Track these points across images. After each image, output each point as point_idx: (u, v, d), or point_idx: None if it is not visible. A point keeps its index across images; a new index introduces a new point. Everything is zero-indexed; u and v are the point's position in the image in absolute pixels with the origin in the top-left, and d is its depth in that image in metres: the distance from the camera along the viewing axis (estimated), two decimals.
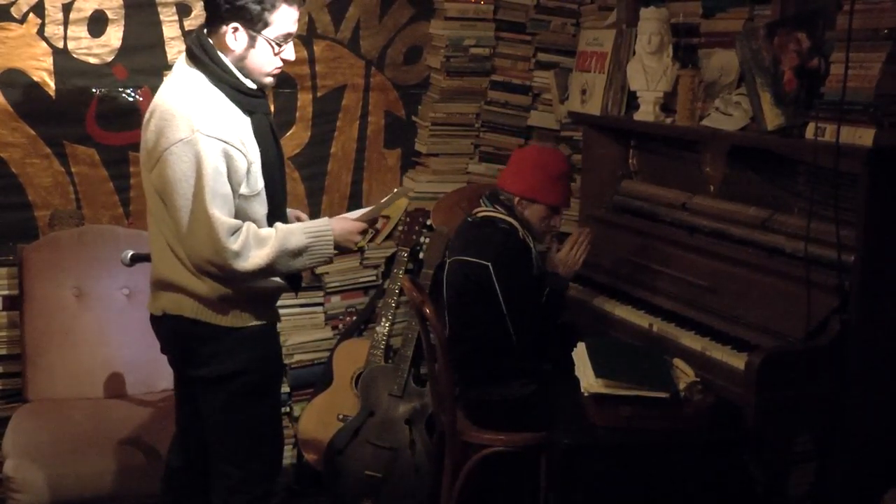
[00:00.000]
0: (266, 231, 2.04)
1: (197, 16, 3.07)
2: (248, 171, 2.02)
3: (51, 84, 2.94)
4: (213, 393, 2.09)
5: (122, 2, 2.97)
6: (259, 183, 2.06)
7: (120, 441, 2.58)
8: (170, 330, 2.11)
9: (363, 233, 2.18)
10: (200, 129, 1.94)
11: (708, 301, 2.54)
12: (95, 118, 3.01)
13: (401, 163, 3.52)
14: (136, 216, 3.11)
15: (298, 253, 2.04)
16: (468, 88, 3.43)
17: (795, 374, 2.21)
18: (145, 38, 3.02)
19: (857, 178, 2.20)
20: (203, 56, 2.02)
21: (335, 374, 3.23)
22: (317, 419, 3.18)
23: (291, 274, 2.13)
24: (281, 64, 2.10)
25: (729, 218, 2.65)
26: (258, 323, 2.10)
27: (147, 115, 2.05)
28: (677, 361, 2.42)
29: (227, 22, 2.01)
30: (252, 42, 2.03)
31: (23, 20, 2.88)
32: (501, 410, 2.52)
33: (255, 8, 1.99)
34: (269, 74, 2.10)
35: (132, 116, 3.05)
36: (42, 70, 2.92)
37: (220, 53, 2.03)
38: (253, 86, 2.07)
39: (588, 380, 2.36)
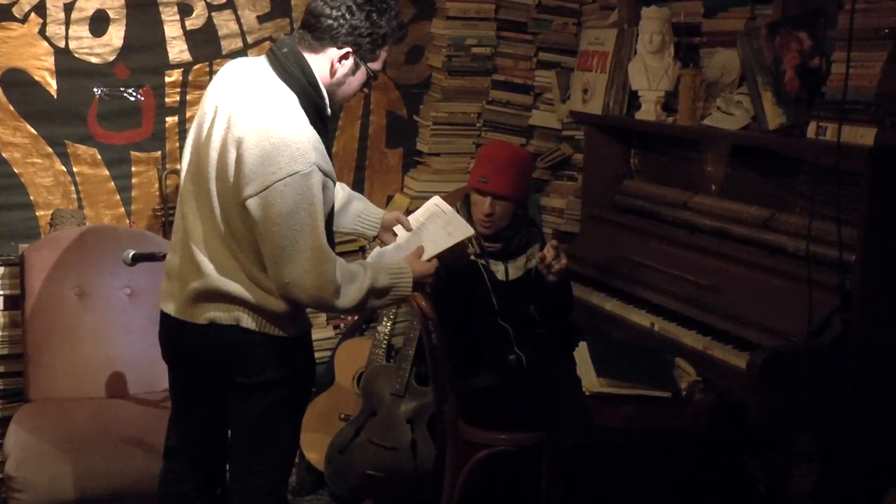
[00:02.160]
0: (354, 266, 2.02)
1: (198, 15, 3.07)
2: (327, 199, 2.01)
3: (52, 84, 2.94)
4: (259, 397, 2.06)
5: (123, 1, 2.96)
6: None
7: (121, 441, 2.57)
8: (220, 339, 2.03)
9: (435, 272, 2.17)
10: (315, 161, 1.91)
11: (709, 300, 2.54)
12: (97, 118, 3.01)
13: (402, 162, 3.52)
14: (138, 216, 3.11)
15: (383, 293, 2.03)
16: (470, 88, 3.43)
17: (797, 374, 2.21)
18: (147, 37, 3.02)
19: (858, 177, 2.20)
20: (301, 77, 1.97)
21: (337, 374, 3.24)
22: (318, 418, 3.18)
23: None
24: (359, 93, 2.12)
25: (730, 217, 2.65)
26: (307, 329, 2.11)
27: (227, 124, 1.94)
28: (679, 361, 2.42)
29: (340, 46, 1.97)
30: (354, 70, 2.02)
31: (24, 20, 2.88)
32: (467, 402, 2.52)
33: (373, 41, 1.99)
34: (348, 100, 2.12)
35: (134, 116, 3.05)
36: (44, 70, 2.92)
37: (316, 76, 1.99)
38: (329, 112, 2.05)
39: (590, 379, 2.37)
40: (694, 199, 2.80)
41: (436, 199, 2.30)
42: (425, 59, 3.46)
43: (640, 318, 2.67)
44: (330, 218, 2.06)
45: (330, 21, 1.96)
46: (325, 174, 1.95)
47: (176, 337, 2.12)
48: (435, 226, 2.26)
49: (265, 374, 2.04)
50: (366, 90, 2.15)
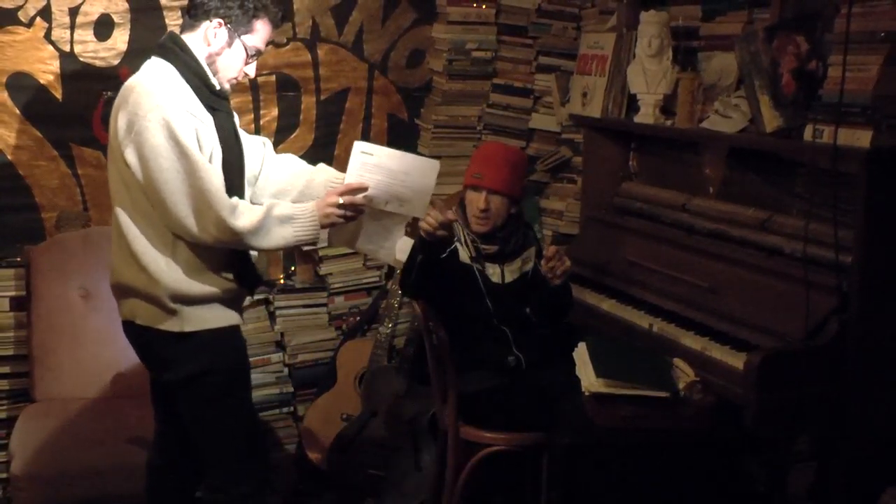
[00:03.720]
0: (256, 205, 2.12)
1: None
2: (204, 146, 2.07)
3: (57, 87, 2.97)
4: (183, 394, 2.15)
5: (127, 6, 2.99)
6: (214, 160, 2.10)
7: (125, 440, 2.60)
8: (133, 336, 2.17)
9: (344, 198, 2.13)
10: (178, 101, 2.02)
11: (708, 301, 2.55)
12: (101, 120, 3.03)
13: None
14: None
15: (285, 220, 2.09)
16: (470, 91, 3.45)
17: (794, 374, 2.21)
18: (151, 41, 2.98)
19: (855, 179, 2.21)
20: (175, 48, 2.10)
21: (339, 374, 3.26)
22: (320, 418, 3.20)
23: (248, 272, 2.19)
24: (241, 75, 2.19)
25: (728, 219, 2.66)
26: (214, 327, 2.13)
27: (115, 108, 2.09)
28: (677, 361, 2.43)
29: (211, 17, 2.10)
30: (230, 42, 2.13)
31: (30, 24, 2.91)
32: (467, 403, 2.54)
33: (243, 10, 2.10)
34: (230, 80, 2.18)
35: None
36: (49, 73, 2.95)
37: (192, 50, 2.11)
38: (217, 85, 2.15)
39: (589, 379, 2.38)
40: (692, 200, 2.82)
41: (360, 146, 2.19)
42: (426, 62, 3.49)
43: (639, 318, 2.68)
44: (239, 169, 2.15)
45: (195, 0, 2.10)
46: (191, 113, 2.03)
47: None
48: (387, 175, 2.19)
49: (181, 372, 2.11)
50: (248, 74, 2.20)
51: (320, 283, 3.37)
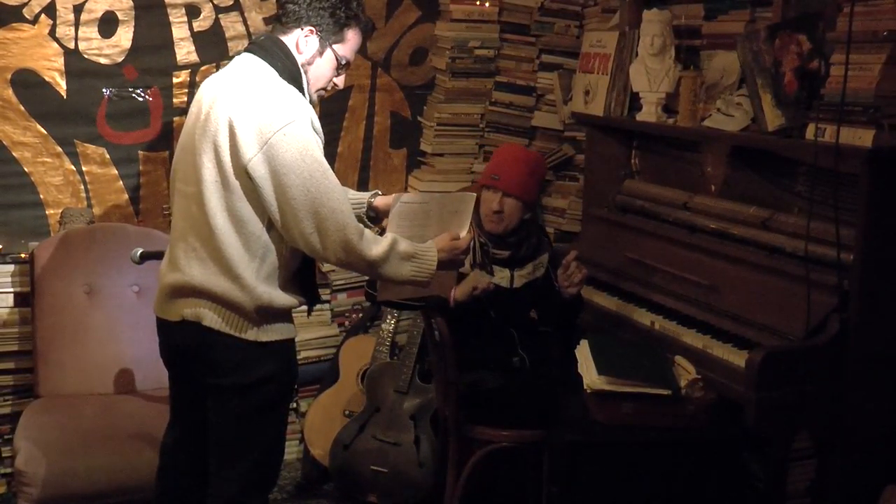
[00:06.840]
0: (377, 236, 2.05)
1: (206, 17, 3.11)
2: None
3: (62, 84, 2.98)
4: (230, 402, 2.07)
5: (132, 3, 3.00)
6: None
7: (129, 436, 2.61)
8: (189, 337, 2.06)
9: (466, 249, 2.11)
10: (306, 113, 1.96)
11: (709, 299, 2.57)
12: (106, 118, 3.05)
13: (406, 163, 3.55)
14: (146, 214, 3.15)
15: (407, 257, 2.02)
16: (473, 89, 3.46)
17: (795, 372, 2.22)
18: (155, 38, 3.06)
19: (856, 178, 2.22)
20: (279, 52, 2.04)
21: (341, 371, 3.27)
22: (323, 415, 3.22)
23: (313, 289, 2.16)
24: (331, 86, 2.14)
25: (730, 217, 2.67)
26: (283, 338, 2.10)
27: (212, 106, 1.99)
28: (678, 359, 2.45)
29: (303, 25, 2.05)
30: (321, 51, 2.07)
31: (34, 21, 2.92)
32: (469, 401, 2.54)
33: (335, 18, 2.05)
34: (319, 90, 2.13)
35: (142, 116, 3.09)
36: (53, 70, 2.96)
37: (293, 54, 2.06)
38: (308, 98, 2.09)
39: (590, 377, 2.39)
40: (694, 199, 2.83)
41: (402, 198, 2.13)
42: (429, 60, 3.50)
43: (641, 316, 2.70)
44: None
45: (292, 5, 2.05)
46: (315, 131, 1.99)
47: (160, 335, 2.17)
48: (430, 216, 2.17)
49: (232, 378, 2.04)
50: (337, 85, 2.15)
51: (323, 279, 3.38)
